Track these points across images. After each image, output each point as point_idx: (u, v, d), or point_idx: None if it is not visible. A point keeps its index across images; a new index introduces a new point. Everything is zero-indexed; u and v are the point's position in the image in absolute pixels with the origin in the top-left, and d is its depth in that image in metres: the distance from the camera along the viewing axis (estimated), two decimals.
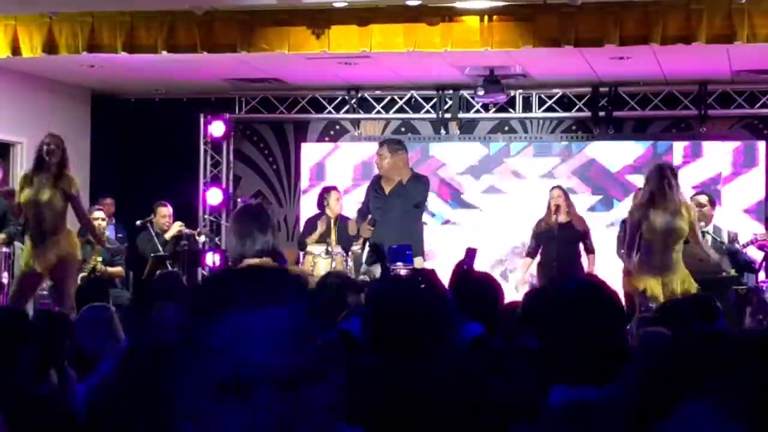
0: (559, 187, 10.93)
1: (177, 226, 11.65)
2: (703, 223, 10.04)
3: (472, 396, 3.16)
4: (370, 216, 9.53)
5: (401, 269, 3.96)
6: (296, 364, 1.37)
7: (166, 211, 11.73)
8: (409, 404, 3.11)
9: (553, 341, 2.53)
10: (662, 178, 8.37)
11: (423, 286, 3.41)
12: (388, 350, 3.17)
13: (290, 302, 1.40)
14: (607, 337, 2.52)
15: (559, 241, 10.30)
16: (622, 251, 9.40)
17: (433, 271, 3.95)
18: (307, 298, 1.42)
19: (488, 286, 4.28)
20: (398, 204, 9.19)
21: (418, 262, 9.44)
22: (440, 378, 3.16)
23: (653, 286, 8.21)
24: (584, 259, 10.63)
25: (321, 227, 10.90)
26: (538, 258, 10.67)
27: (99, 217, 10.71)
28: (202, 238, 12.53)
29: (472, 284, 3.97)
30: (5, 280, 10.01)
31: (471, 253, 4.34)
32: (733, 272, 9.60)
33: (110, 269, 10.85)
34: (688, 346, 2.37)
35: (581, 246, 10.56)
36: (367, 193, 9.57)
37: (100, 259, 10.65)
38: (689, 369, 2.21)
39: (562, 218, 10.48)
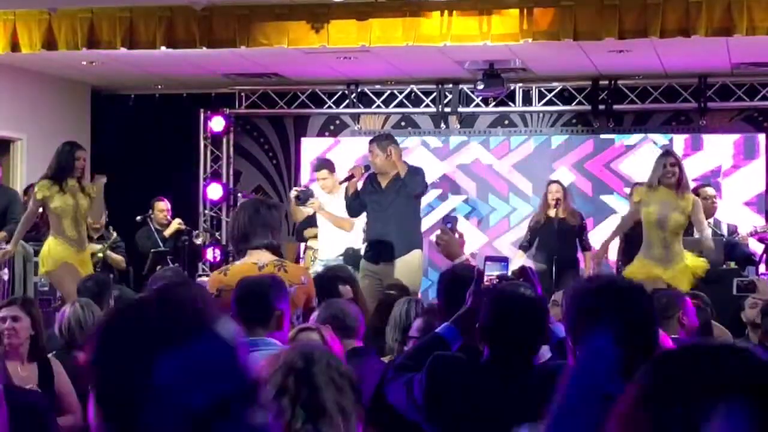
0: (557, 181, 10.93)
1: (176, 224, 11.66)
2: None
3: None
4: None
5: (495, 273, 4.01)
6: (252, 385, 1.41)
7: (163, 205, 11.74)
8: (514, 399, 3.43)
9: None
10: (663, 166, 8.44)
11: (529, 289, 3.80)
12: (503, 349, 3.59)
13: (222, 327, 1.40)
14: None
15: (556, 236, 10.29)
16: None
17: (529, 269, 3.99)
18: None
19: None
20: (397, 197, 9.18)
21: (416, 255, 9.43)
22: (542, 374, 3.48)
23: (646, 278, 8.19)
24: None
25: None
26: (532, 251, 10.65)
27: None
28: (199, 240, 12.53)
29: (460, 284, 3.96)
30: (5, 277, 10.01)
31: (450, 220, 4.31)
32: (733, 265, 9.59)
33: (113, 255, 10.87)
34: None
35: (578, 241, 10.59)
36: (362, 187, 9.49)
37: (98, 246, 10.64)
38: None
39: (560, 213, 10.49)
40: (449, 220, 4.09)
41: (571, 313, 2.88)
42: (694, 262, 8.54)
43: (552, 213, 10.50)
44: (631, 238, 9.39)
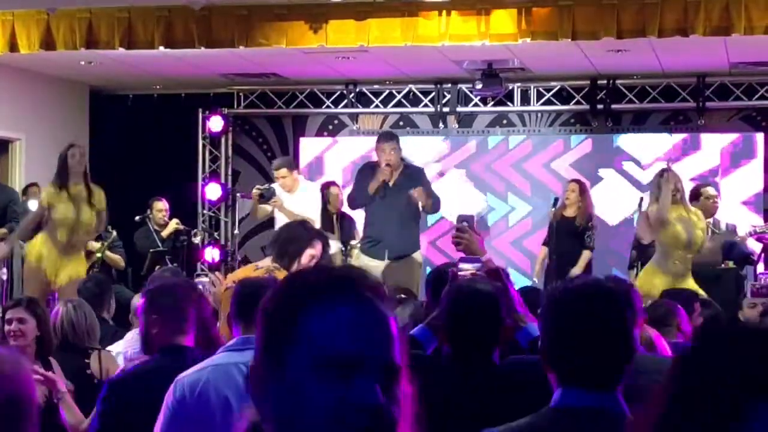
0: (575, 180, 11.05)
1: (173, 224, 11.66)
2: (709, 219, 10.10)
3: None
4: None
5: (468, 271, 4.01)
6: (395, 359, 1.49)
7: (162, 205, 11.75)
8: (474, 396, 3.43)
9: (560, 342, 2.52)
10: (675, 183, 8.53)
11: (489, 285, 3.75)
12: (461, 346, 3.58)
13: (384, 304, 1.53)
14: (618, 339, 2.51)
15: (564, 235, 10.37)
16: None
17: (502, 270, 3.97)
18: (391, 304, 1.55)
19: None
20: (401, 195, 9.18)
21: (417, 255, 9.44)
22: (503, 371, 3.49)
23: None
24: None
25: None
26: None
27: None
28: (197, 239, 12.54)
29: (445, 284, 3.97)
30: (4, 276, 10.02)
31: (467, 219, 4.27)
32: (731, 264, 9.61)
33: (110, 255, 10.87)
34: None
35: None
36: (358, 181, 9.48)
37: (97, 245, 10.64)
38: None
39: (570, 212, 10.60)
40: (466, 218, 4.04)
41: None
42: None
43: (565, 212, 10.64)
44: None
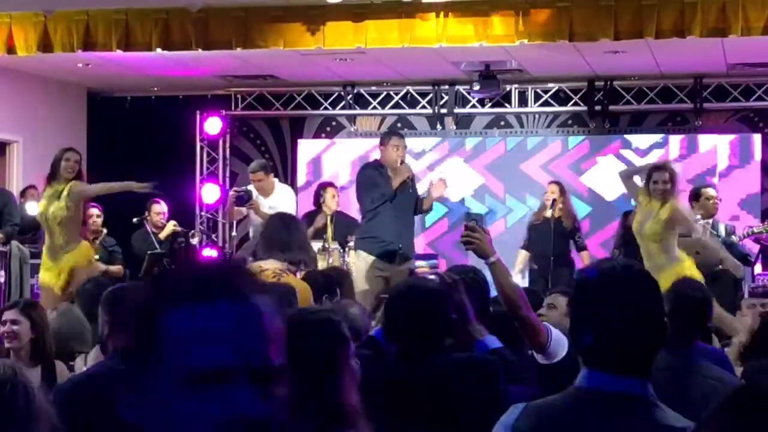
0: (556, 182, 11.00)
1: (171, 226, 11.64)
2: (699, 216, 10.08)
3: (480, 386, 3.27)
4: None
5: (424, 268, 4.04)
6: (269, 362, 1.36)
7: (160, 207, 11.72)
8: (415, 392, 3.39)
9: (597, 327, 2.49)
10: (655, 182, 8.42)
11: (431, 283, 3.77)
12: (401, 341, 3.56)
13: (259, 298, 1.39)
14: (652, 326, 2.50)
15: (551, 236, 10.32)
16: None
17: (450, 281, 3.93)
18: (270, 297, 1.42)
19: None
20: (410, 196, 9.14)
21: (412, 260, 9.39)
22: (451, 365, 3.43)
23: None
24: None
25: (318, 223, 10.90)
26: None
27: (94, 214, 10.65)
28: (195, 239, 12.53)
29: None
30: (2, 279, 10.01)
31: (475, 217, 4.22)
32: None
33: (110, 268, 10.84)
34: None
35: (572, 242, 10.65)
36: (373, 180, 9.16)
37: (96, 256, 10.62)
38: None
39: (555, 213, 10.55)
40: (475, 217, 4.00)
41: None
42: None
43: (548, 213, 10.58)
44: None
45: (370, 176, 9.13)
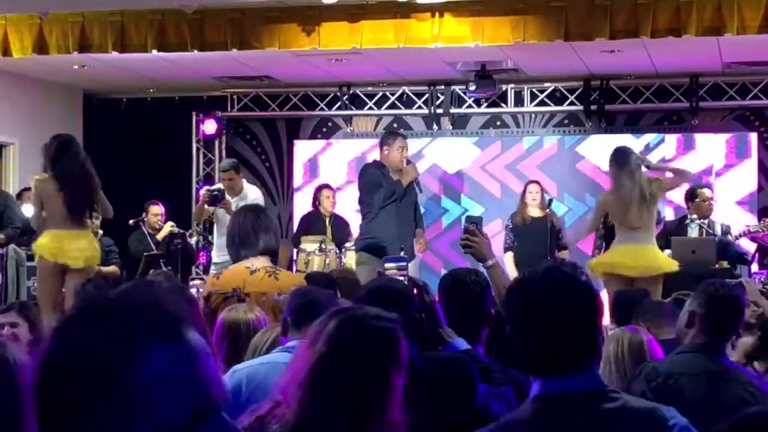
0: (536, 182, 11.01)
1: (168, 227, 11.63)
2: (695, 216, 10.10)
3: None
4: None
5: (392, 270, 4.06)
6: (220, 391, 1.35)
7: (158, 209, 11.72)
8: None
9: (526, 335, 2.51)
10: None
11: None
12: None
13: (192, 332, 1.34)
14: (583, 328, 2.50)
15: (538, 236, 10.27)
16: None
17: (421, 285, 3.93)
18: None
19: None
20: (411, 198, 9.12)
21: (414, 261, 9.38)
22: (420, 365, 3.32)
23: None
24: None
25: (319, 224, 10.93)
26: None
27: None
28: (194, 239, 12.52)
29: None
30: None
31: (475, 220, 4.24)
32: (726, 264, 9.61)
33: (105, 269, 10.82)
34: None
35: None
36: (375, 180, 9.09)
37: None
38: None
39: (538, 213, 10.54)
40: (475, 220, 4.01)
41: None
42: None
43: (534, 213, 10.59)
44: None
45: (374, 175, 9.08)
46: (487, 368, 3.63)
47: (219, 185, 10.38)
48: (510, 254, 10.76)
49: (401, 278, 4.13)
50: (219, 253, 9.93)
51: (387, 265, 4.03)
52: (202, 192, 10.24)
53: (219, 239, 10.15)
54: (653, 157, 11.80)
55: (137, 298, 1.34)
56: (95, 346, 1.26)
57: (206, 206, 10.21)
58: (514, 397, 3.44)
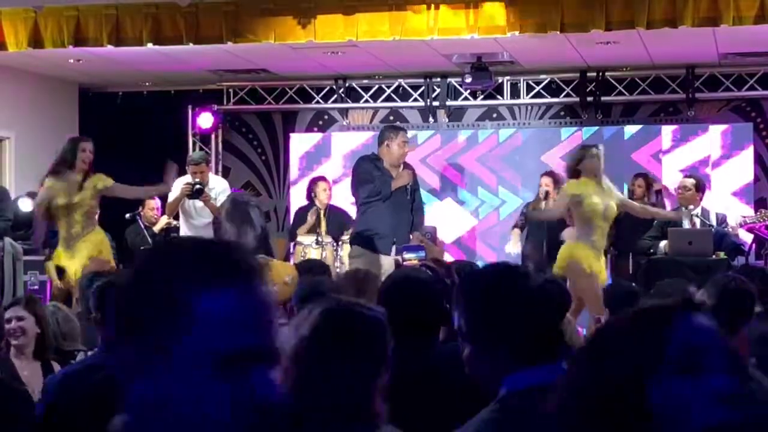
0: (549, 173, 11.01)
1: (164, 220, 11.63)
2: (692, 207, 10.12)
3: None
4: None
5: (412, 260, 4.10)
6: (275, 345, 1.40)
7: (154, 203, 11.73)
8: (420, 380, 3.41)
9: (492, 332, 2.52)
10: (598, 158, 8.80)
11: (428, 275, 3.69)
12: (401, 332, 3.49)
13: (265, 282, 1.43)
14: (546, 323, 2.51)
15: (546, 227, 10.33)
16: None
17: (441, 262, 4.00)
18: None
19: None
20: (405, 194, 9.10)
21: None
22: (446, 355, 3.42)
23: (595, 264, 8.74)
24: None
25: (311, 219, 10.89)
26: (523, 236, 11.13)
27: None
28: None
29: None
30: None
31: (427, 230, 4.35)
32: (722, 255, 9.62)
33: None
34: None
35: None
36: (370, 173, 9.09)
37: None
38: None
39: (549, 204, 10.55)
40: (428, 230, 4.15)
41: None
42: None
43: (542, 205, 10.60)
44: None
45: (367, 169, 9.09)
46: None
47: (195, 180, 10.30)
48: (516, 230, 11.24)
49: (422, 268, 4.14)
50: None
51: (406, 255, 4.06)
52: (182, 185, 10.16)
53: (189, 231, 10.22)
54: (648, 149, 11.85)
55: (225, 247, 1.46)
56: (169, 278, 1.39)
57: (188, 199, 10.19)
58: None
